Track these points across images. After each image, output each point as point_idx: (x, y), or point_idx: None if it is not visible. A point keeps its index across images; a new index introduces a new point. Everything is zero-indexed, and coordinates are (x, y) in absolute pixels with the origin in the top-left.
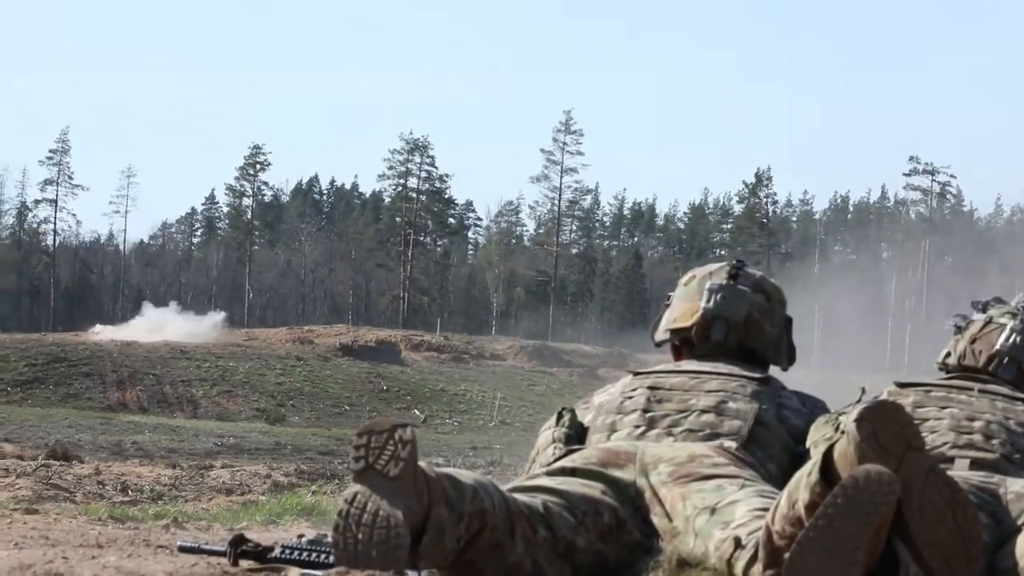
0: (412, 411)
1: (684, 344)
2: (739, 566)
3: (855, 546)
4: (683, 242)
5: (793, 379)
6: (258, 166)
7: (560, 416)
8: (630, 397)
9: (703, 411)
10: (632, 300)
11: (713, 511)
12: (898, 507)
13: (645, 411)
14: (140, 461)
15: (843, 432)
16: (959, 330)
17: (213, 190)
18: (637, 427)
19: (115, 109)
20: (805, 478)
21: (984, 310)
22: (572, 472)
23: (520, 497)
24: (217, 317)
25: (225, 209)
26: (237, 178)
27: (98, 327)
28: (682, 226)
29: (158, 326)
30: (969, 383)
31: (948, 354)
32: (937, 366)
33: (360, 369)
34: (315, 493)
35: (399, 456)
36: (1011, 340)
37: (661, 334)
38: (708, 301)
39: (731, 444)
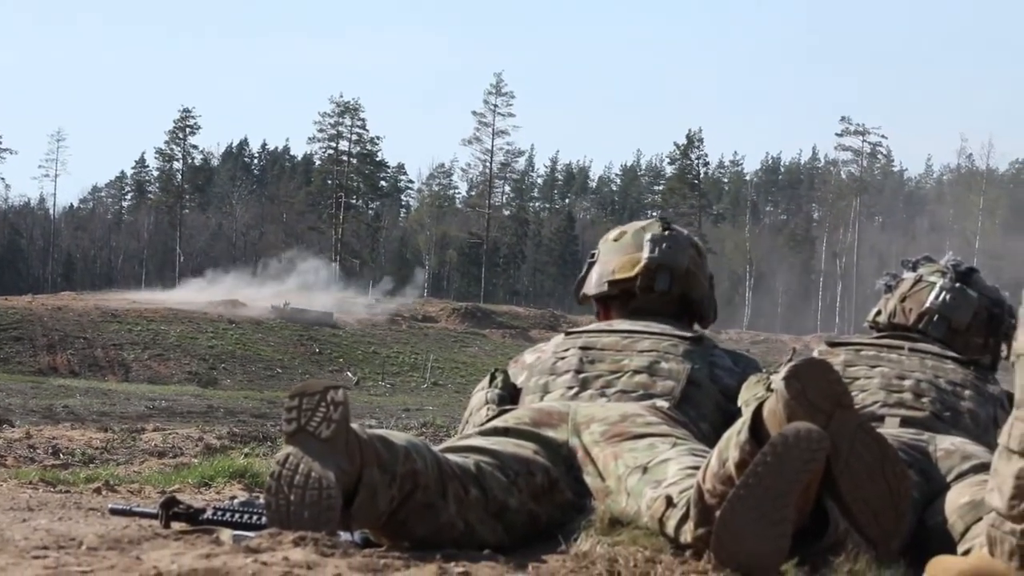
0: (345, 373)
1: (623, 296)
2: (670, 525)
3: (785, 504)
4: (615, 204)
5: (726, 339)
6: (188, 129)
7: (493, 377)
8: (562, 358)
9: (636, 372)
10: (564, 262)
11: (645, 470)
12: (827, 464)
13: (578, 372)
14: (71, 425)
15: (773, 390)
16: (889, 289)
17: (143, 153)
18: (570, 388)
19: (44, 72)
20: (735, 436)
21: (914, 269)
22: (505, 432)
23: (452, 457)
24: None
25: (155, 173)
26: (167, 141)
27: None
28: (614, 188)
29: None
30: (899, 342)
31: (878, 313)
32: (867, 325)
33: (292, 331)
34: (247, 456)
35: (331, 418)
36: (941, 298)
37: (596, 287)
38: (652, 251)
39: (664, 404)
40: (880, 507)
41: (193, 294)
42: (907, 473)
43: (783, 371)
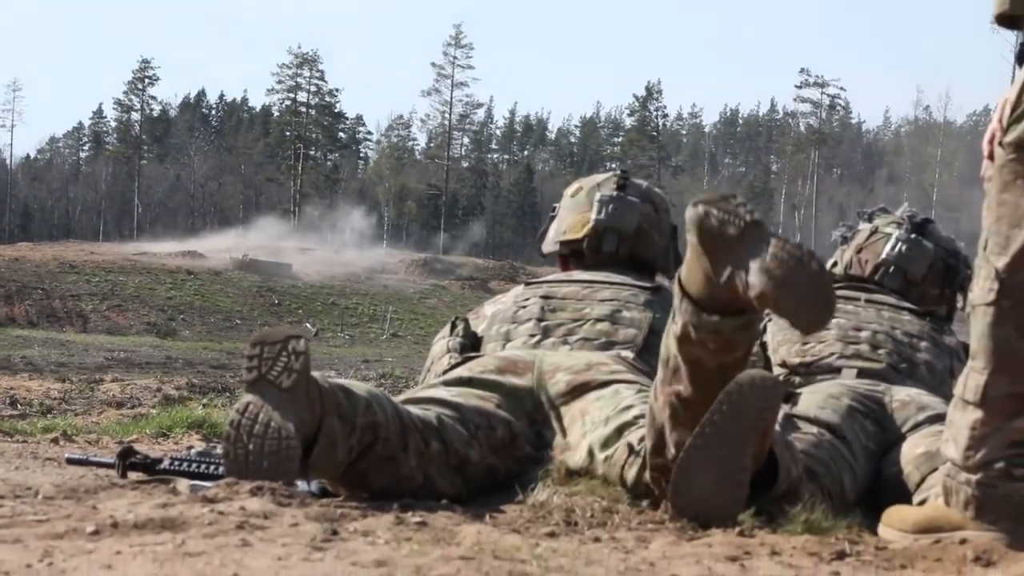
0: (304, 324)
1: (574, 255)
2: (631, 473)
3: (742, 452)
4: (574, 155)
5: None
6: (147, 80)
7: (454, 326)
8: (523, 307)
9: (598, 320)
10: (523, 213)
11: (607, 421)
12: None
13: (539, 320)
14: (29, 375)
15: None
16: (845, 240)
17: (101, 104)
18: (532, 336)
19: (0, 21)
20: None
21: (870, 220)
22: (469, 381)
23: (414, 410)
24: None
25: (113, 124)
26: (125, 92)
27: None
28: (573, 140)
29: None
30: (856, 293)
31: (835, 264)
32: None
33: (251, 283)
34: (206, 406)
35: (292, 367)
36: (897, 249)
37: (550, 245)
38: (599, 212)
39: (627, 353)
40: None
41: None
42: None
43: (688, 208)
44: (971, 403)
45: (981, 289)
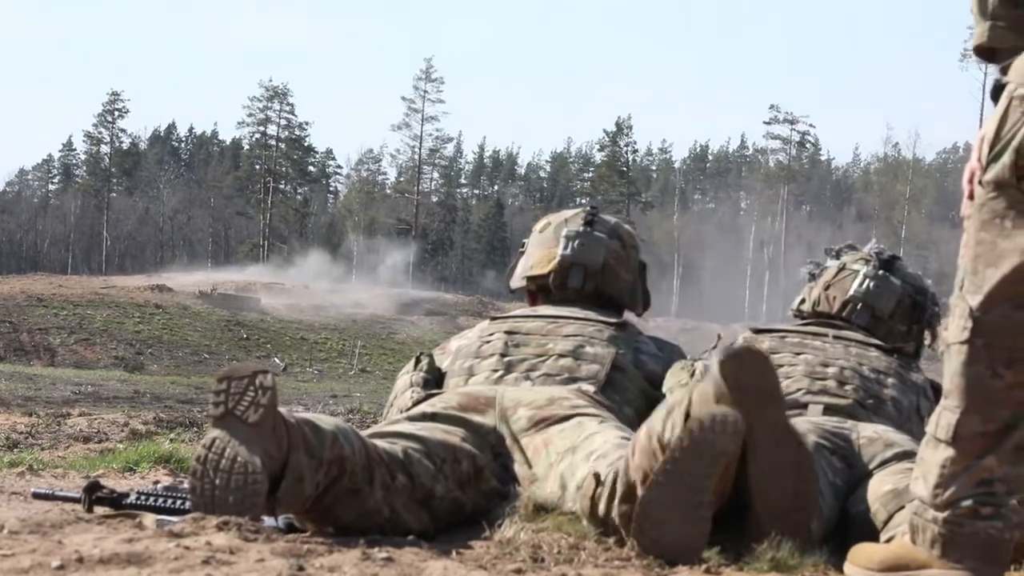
0: (272, 359)
1: (541, 291)
2: (602, 505)
3: (703, 487)
4: (544, 191)
5: (653, 327)
6: (116, 113)
7: (418, 360)
8: (488, 341)
9: (561, 355)
10: (493, 248)
11: (574, 450)
12: (743, 456)
13: (503, 355)
14: None
15: (706, 369)
16: (813, 277)
17: (71, 136)
18: (495, 371)
19: None
20: (669, 416)
21: (837, 256)
22: (432, 417)
23: (380, 443)
24: None
25: (83, 156)
26: (95, 124)
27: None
28: (543, 175)
29: None
30: (823, 329)
31: (803, 301)
32: (792, 313)
33: (219, 317)
34: (173, 441)
35: (259, 402)
36: (864, 286)
37: (517, 281)
38: (565, 248)
39: (589, 388)
40: (784, 509)
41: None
42: (817, 485)
43: (719, 352)
44: (943, 441)
45: (955, 327)
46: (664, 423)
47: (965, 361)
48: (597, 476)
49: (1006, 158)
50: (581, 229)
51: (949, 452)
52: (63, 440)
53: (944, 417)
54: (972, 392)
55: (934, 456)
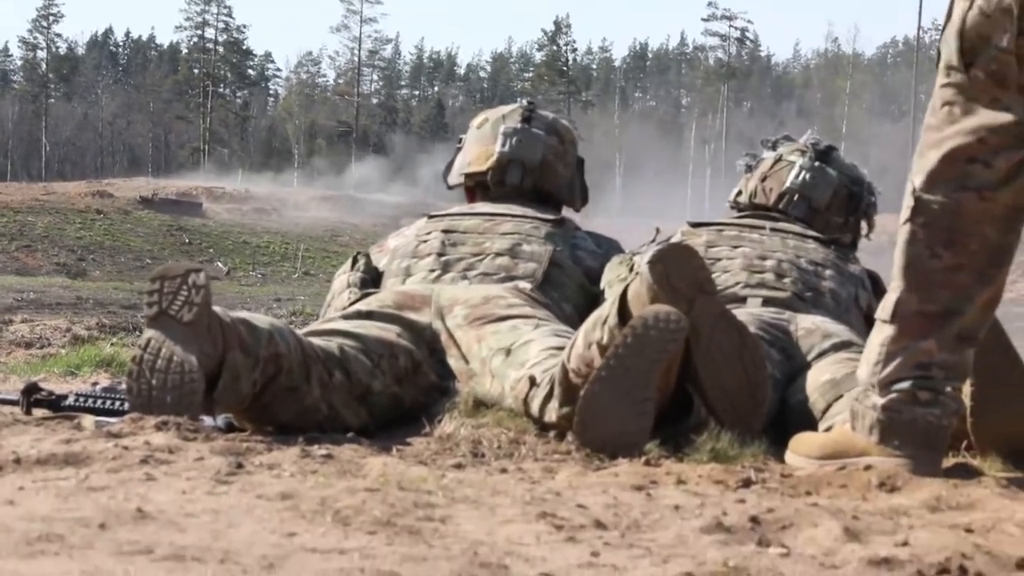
0: (215, 263)
1: (479, 187)
2: (535, 405)
3: (646, 383)
4: (484, 91)
5: (596, 225)
6: (52, 18)
7: (355, 261)
8: (425, 241)
9: (498, 254)
10: (434, 149)
11: (508, 352)
12: (687, 350)
13: (440, 255)
14: None
15: (637, 273)
16: (749, 169)
17: (7, 43)
18: (432, 271)
19: None
20: (602, 319)
21: (774, 148)
22: (368, 315)
23: (316, 341)
24: None
25: (19, 62)
26: (30, 30)
27: None
28: (483, 75)
29: None
30: (760, 222)
31: (739, 193)
32: (729, 205)
33: (161, 222)
34: (115, 345)
35: (193, 301)
36: (801, 177)
37: (455, 178)
38: (503, 145)
39: (526, 286)
40: (737, 395)
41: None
42: (765, 361)
43: (647, 255)
44: (885, 321)
45: (903, 209)
46: (600, 328)
47: (907, 240)
48: (532, 379)
49: (952, 43)
50: (519, 126)
51: (889, 330)
52: (4, 346)
53: (888, 297)
54: (911, 271)
55: (877, 336)
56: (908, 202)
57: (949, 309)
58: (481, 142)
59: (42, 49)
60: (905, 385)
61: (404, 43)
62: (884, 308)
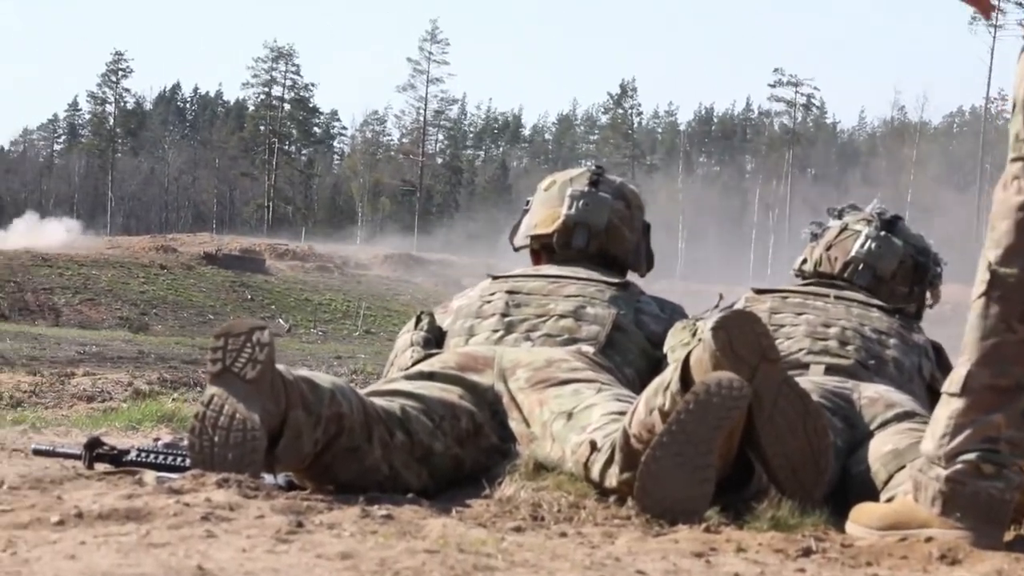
0: (277, 320)
1: (544, 250)
2: (595, 469)
3: (708, 450)
4: (549, 153)
5: (657, 289)
6: (121, 73)
7: (419, 319)
8: (489, 301)
9: (561, 316)
10: (498, 210)
11: (570, 416)
12: (750, 417)
13: (504, 315)
14: (0, 368)
15: (700, 339)
16: (815, 237)
17: (76, 97)
18: (495, 331)
19: None
20: (664, 384)
21: (839, 217)
22: (430, 376)
23: (378, 401)
24: (72, 223)
25: (88, 116)
26: (99, 85)
27: None
28: (548, 137)
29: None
30: (825, 289)
31: (804, 261)
32: (793, 273)
33: (224, 278)
34: (176, 400)
35: (256, 359)
36: (866, 246)
37: (521, 239)
38: (570, 208)
39: (589, 349)
40: (800, 463)
41: None
42: (828, 430)
43: (710, 321)
44: (953, 395)
45: (976, 283)
46: (662, 394)
47: (980, 314)
48: (593, 443)
49: (1020, 116)
50: (586, 189)
51: (958, 404)
52: (67, 399)
53: (957, 371)
54: (984, 345)
55: (944, 410)
56: (983, 276)
57: (1020, 384)
58: (548, 204)
59: (110, 104)
60: (970, 457)
61: (470, 103)
62: (953, 382)
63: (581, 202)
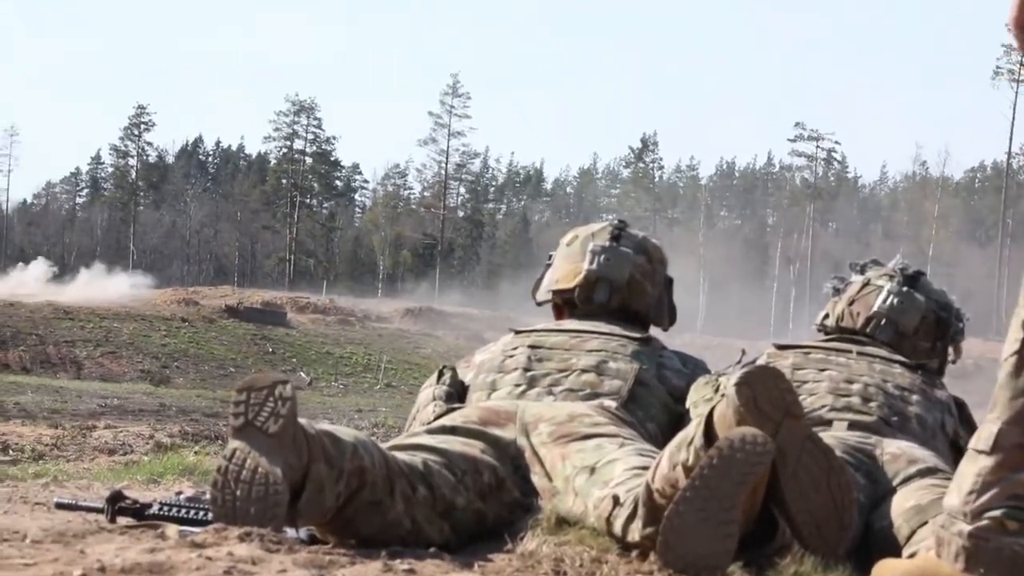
0: (298, 373)
1: (567, 304)
2: (618, 524)
3: (731, 505)
4: (570, 206)
5: (679, 343)
6: (142, 126)
7: (441, 374)
8: (511, 356)
9: (584, 370)
10: (519, 264)
11: (592, 471)
12: (774, 472)
13: (526, 370)
14: (22, 421)
15: (723, 395)
16: (837, 292)
17: (99, 150)
18: (517, 386)
19: None
20: (688, 440)
21: (862, 272)
22: (452, 430)
23: (400, 455)
24: (140, 278)
25: (110, 169)
26: (122, 138)
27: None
28: (570, 191)
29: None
30: (848, 345)
31: (826, 316)
32: (815, 328)
33: (246, 331)
34: (198, 453)
35: (279, 413)
36: (888, 302)
37: (543, 294)
38: (591, 263)
39: (611, 403)
40: (824, 519)
41: None
42: (852, 485)
43: (734, 377)
44: (982, 452)
45: (1008, 341)
46: (686, 449)
47: (1011, 373)
48: (616, 498)
49: None
50: (607, 244)
51: (987, 462)
52: (88, 452)
53: (986, 429)
54: (1016, 404)
55: (971, 467)
56: (1016, 335)
57: None
58: (570, 259)
59: (133, 157)
60: (995, 513)
61: (491, 156)
62: (982, 439)
63: (602, 257)
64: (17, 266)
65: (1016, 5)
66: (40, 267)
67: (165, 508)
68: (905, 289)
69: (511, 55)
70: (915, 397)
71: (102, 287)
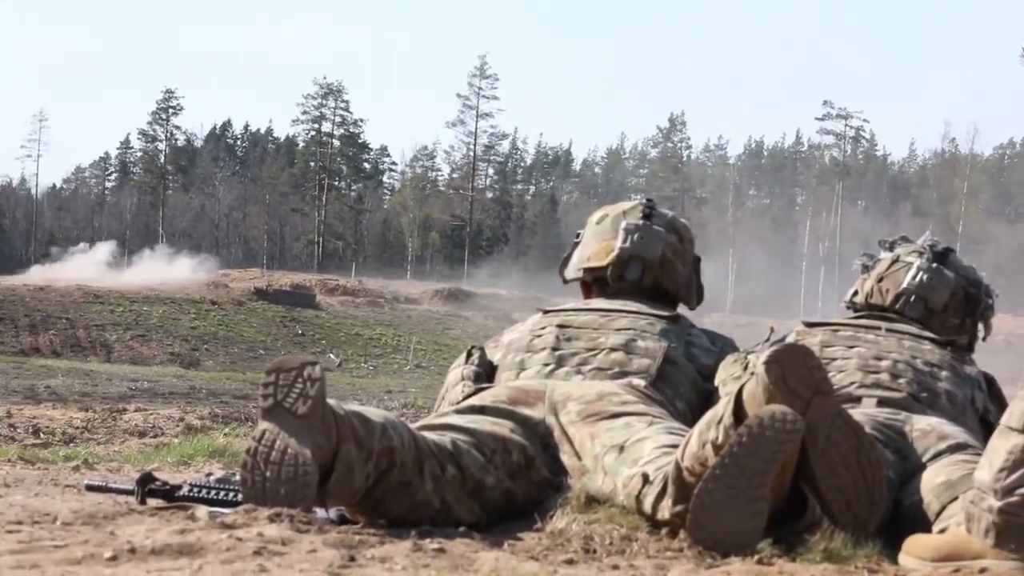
0: (327, 355)
1: (596, 283)
2: (647, 502)
3: (760, 483)
4: (598, 187)
5: (708, 322)
6: (171, 110)
7: (469, 354)
8: (539, 335)
9: (612, 349)
10: (547, 245)
11: (622, 449)
12: (803, 450)
13: (554, 349)
14: (53, 405)
15: (752, 373)
16: (866, 269)
17: (128, 135)
18: (546, 365)
19: (27, 53)
20: (718, 418)
21: (891, 249)
22: (481, 410)
23: (429, 435)
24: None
25: (139, 154)
26: (150, 123)
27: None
28: (598, 171)
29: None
30: (877, 322)
31: (855, 293)
32: (844, 305)
33: (275, 313)
34: (228, 435)
35: (307, 394)
36: (918, 278)
37: (573, 272)
38: (624, 241)
39: (640, 382)
40: (854, 495)
41: None
42: (882, 462)
43: (764, 355)
44: (1015, 429)
45: None
46: (715, 427)
47: None
48: (645, 476)
49: None
50: (640, 222)
51: (1019, 439)
52: (118, 435)
53: (1018, 405)
54: None
55: (1004, 443)
56: None
57: None
58: (601, 237)
59: (161, 141)
60: None
61: (519, 138)
62: (1014, 415)
63: (636, 235)
64: (80, 246)
65: None
66: (106, 248)
67: (195, 490)
68: (934, 265)
69: (539, 36)
70: (944, 373)
71: (173, 270)
